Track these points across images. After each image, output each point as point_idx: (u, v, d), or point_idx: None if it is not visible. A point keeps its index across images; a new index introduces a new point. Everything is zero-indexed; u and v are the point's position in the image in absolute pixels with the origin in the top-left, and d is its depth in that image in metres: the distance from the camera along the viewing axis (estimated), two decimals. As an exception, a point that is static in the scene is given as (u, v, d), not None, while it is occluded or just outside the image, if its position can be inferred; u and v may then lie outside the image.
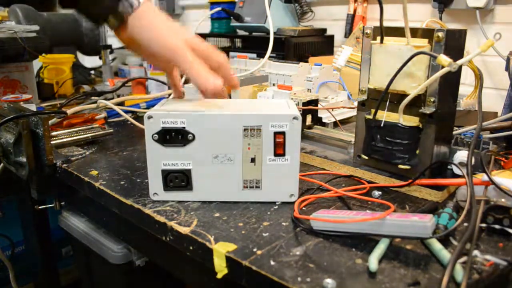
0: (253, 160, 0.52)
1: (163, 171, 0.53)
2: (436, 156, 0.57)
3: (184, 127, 0.51)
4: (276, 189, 0.53)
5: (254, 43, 1.21)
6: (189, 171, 0.53)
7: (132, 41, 0.59)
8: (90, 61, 1.67)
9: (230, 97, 0.77)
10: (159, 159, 0.53)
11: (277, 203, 0.53)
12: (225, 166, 0.53)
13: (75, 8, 0.59)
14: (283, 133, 0.51)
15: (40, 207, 0.95)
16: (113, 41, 1.15)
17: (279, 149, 0.52)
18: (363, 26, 0.60)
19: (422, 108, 0.55)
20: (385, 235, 0.43)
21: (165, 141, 0.52)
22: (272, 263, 0.40)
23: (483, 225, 0.46)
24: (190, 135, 0.51)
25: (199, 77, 0.53)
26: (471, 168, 0.49)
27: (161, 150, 0.52)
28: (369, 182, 0.59)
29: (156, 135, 0.52)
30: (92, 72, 1.49)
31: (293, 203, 0.52)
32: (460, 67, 0.51)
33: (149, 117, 0.51)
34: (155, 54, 0.57)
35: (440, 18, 1.03)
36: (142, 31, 0.56)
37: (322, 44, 1.22)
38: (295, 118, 0.51)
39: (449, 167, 0.62)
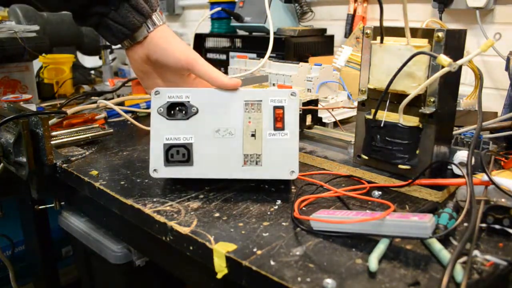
0: (253, 134, 0.54)
1: (165, 145, 0.55)
2: (436, 156, 0.57)
3: (188, 101, 0.55)
4: (276, 165, 0.54)
5: (254, 43, 1.21)
6: (190, 144, 0.55)
7: (144, 58, 0.61)
8: (90, 61, 1.67)
9: None
10: (163, 132, 0.55)
11: (277, 202, 0.53)
12: (226, 140, 0.54)
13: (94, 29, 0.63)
14: (282, 108, 0.54)
15: (40, 207, 0.95)
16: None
17: (279, 122, 0.54)
18: (363, 26, 0.60)
19: (422, 108, 0.55)
20: (385, 235, 0.43)
21: (170, 115, 0.55)
22: (272, 263, 0.40)
23: (483, 225, 0.46)
24: (193, 108, 0.54)
25: (218, 77, 0.56)
26: (471, 168, 0.49)
27: (165, 124, 0.55)
28: (369, 182, 0.59)
29: (161, 108, 0.55)
30: (92, 72, 1.49)
31: (293, 202, 0.52)
32: (460, 67, 0.51)
33: (156, 93, 0.55)
34: (171, 65, 0.59)
35: (440, 18, 1.03)
36: (158, 48, 0.60)
37: (322, 44, 1.22)
38: (292, 94, 0.54)
39: (449, 167, 0.62)
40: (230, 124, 0.54)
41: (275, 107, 0.54)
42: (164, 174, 0.55)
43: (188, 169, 0.55)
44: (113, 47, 1.39)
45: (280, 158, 0.54)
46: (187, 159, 0.55)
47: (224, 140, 0.54)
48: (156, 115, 0.55)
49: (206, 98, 0.55)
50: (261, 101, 0.54)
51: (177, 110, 0.55)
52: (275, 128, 0.54)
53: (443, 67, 0.47)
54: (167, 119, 0.55)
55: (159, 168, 0.55)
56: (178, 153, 0.55)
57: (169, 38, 0.60)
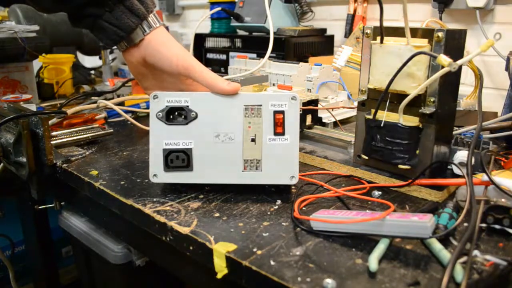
0: (253, 139, 0.54)
1: (164, 150, 0.54)
2: (436, 156, 0.57)
3: (187, 106, 0.54)
4: (276, 170, 0.54)
5: (254, 43, 1.21)
6: (190, 150, 0.54)
7: (140, 61, 0.60)
8: (90, 61, 1.67)
9: None
10: (162, 138, 0.54)
11: (277, 202, 0.53)
12: (225, 145, 0.54)
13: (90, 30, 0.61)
14: (282, 112, 0.53)
15: (40, 207, 0.95)
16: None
17: (279, 127, 0.53)
18: (363, 26, 0.60)
19: (422, 108, 0.55)
20: (385, 235, 0.43)
21: (169, 120, 0.54)
22: (272, 263, 0.40)
23: (483, 225, 0.46)
24: (193, 113, 0.54)
25: (217, 83, 0.54)
26: (471, 168, 0.49)
27: (164, 129, 0.54)
28: (369, 182, 0.59)
29: (160, 113, 0.54)
30: (92, 72, 1.49)
31: (293, 202, 0.52)
32: (460, 67, 0.51)
33: (155, 97, 0.54)
34: (167, 70, 0.58)
35: (440, 18, 1.03)
36: (155, 52, 0.58)
37: (322, 44, 1.22)
38: (293, 98, 0.54)
39: (449, 167, 0.62)
40: (230, 129, 0.54)
41: (275, 112, 0.53)
42: (164, 179, 0.55)
43: (188, 174, 0.55)
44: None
45: (280, 163, 0.54)
46: (187, 165, 0.54)
47: (224, 145, 0.54)
48: (155, 120, 0.54)
49: (205, 102, 0.54)
50: (261, 105, 0.54)
51: (176, 115, 0.55)
52: (275, 133, 0.54)
53: (443, 67, 0.47)
54: (166, 124, 0.54)
55: (158, 173, 0.55)
56: (178, 158, 0.54)
57: (166, 43, 0.58)
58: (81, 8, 0.57)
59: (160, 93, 0.54)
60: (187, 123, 0.54)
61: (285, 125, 0.53)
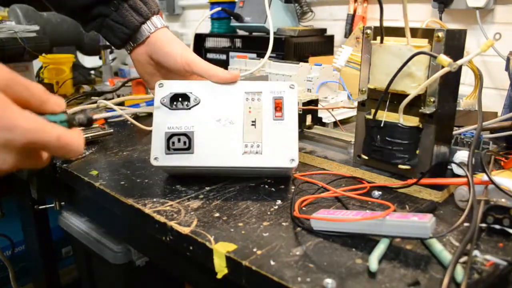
0: (253, 123, 0.55)
1: (166, 133, 0.56)
2: (436, 156, 0.57)
3: (191, 92, 0.56)
4: (276, 153, 0.55)
5: (254, 43, 1.21)
6: (192, 133, 0.55)
7: (147, 60, 0.64)
8: (90, 61, 1.67)
9: None
10: (165, 122, 0.56)
11: (277, 202, 0.53)
12: (227, 129, 0.55)
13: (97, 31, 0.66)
14: (281, 98, 0.56)
15: (40, 207, 0.95)
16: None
17: (278, 112, 0.55)
18: (363, 26, 0.60)
19: (422, 108, 0.55)
20: (385, 235, 0.43)
21: (172, 105, 0.56)
22: (272, 263, 0.40)
23: (483, 225, 0.46)
24: (196, 98, 0.56)
25: (217, 73, 0.58)
26: (472, 168, 0.49)
27: (167, 113, 0.56)
28: (369, 182, 0.59)
29: (164, 98, 0.56)
30: (92, 72, 1.49)
31: (293, 202, 0.52)
32: (460, 67, 0.51)
33: (160, 85, 0.57)
34: (172, 67, 0.62)
35: (440, 18, 1.03)
36: (160, 51, 0.62)
37: (322, 44, 1.22)
38: (291, 86, 0.56)
39: (449, 167, 0.62)
40: (230, 113, 0.56)
41: (275, 98, 0.56)
42: (165, 162, 0.56)
43: (189, 157, 0.55)
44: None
45: (280, 147, 0.54)
46: (188, 147, 0.55)
47: (225, 129, 0.55)
48: (159, 105, 0.56)
49: (208, 89, 0.57)
50: (261, 92, 0.56)
51: (179, 101, 0.57)
52: (275, 117, 0.55)
53: (443, 67, 0.47)
54: (170, 109, 0.56)
55: (160, 156, 0.56)
56: (180, 141, 0.55)
57: (170, 41, 0.63)
58: (89, 8, 0.61)
59: (165, 82, 0.57)
60: (189, 108, 0.56)
61: (284, 110, 0.55)
